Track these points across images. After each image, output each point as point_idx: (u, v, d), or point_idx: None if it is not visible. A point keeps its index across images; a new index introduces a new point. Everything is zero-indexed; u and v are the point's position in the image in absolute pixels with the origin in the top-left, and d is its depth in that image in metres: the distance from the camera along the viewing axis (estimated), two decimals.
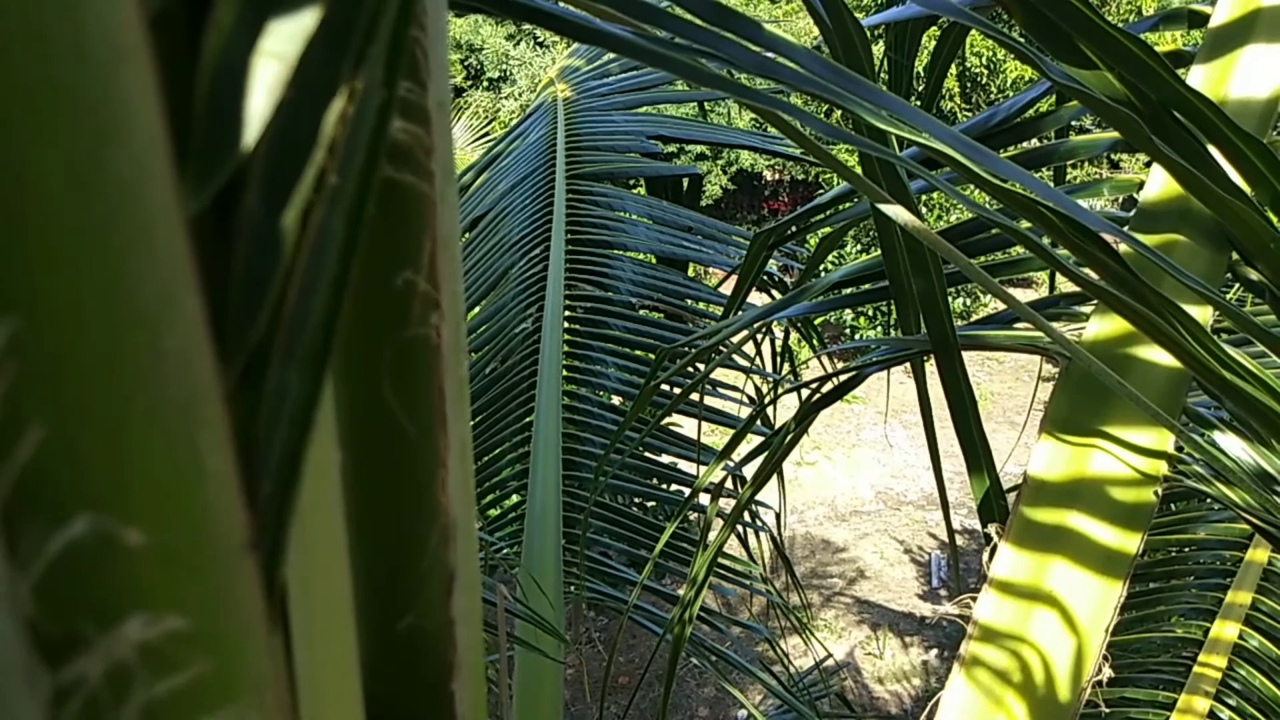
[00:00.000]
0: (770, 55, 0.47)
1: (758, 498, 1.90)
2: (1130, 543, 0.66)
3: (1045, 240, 0.66)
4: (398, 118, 0.25)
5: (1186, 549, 1.49)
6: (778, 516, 1.86)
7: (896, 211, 0.58)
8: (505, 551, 1.94)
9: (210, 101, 0.15)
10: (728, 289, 2.59)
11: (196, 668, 0.14)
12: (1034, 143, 1.03)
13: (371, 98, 0.19)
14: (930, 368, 0.96)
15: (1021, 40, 0.71)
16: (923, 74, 1.39)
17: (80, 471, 0.12)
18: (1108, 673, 0.66)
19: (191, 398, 0.14)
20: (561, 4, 0.45)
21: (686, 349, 1.68)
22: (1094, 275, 0.55)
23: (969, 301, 8.61)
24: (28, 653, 0.12)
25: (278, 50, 0.16)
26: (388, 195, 0.26)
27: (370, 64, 0.19)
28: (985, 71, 8.78)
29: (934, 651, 5.15)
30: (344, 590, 0.26)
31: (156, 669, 0.13)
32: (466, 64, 11.39)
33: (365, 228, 0.20)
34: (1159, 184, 0.72)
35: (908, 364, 1.04)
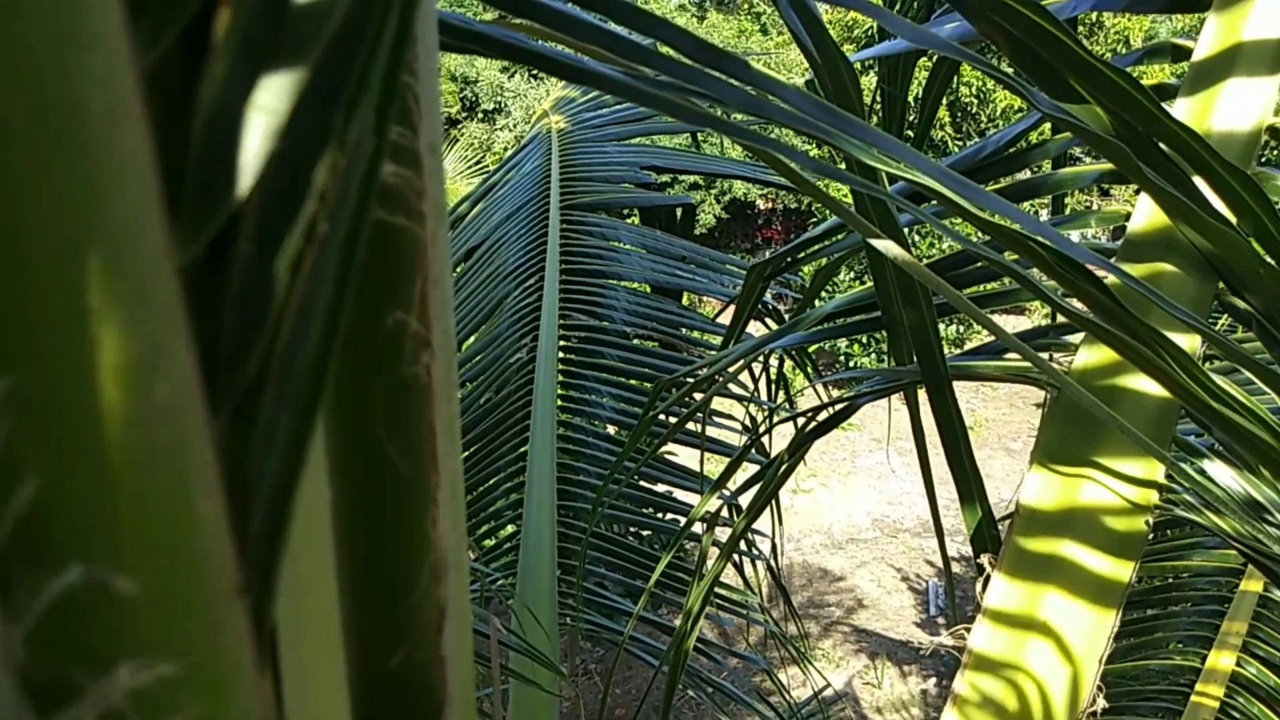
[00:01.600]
0: (758, 93, 0.48)
1: (754, 526, 1.90)
2: (1123, 571, 0.66)
3: (1034, 272, 0.66)
4: (389, 162, 0.26)
5: (1184, 575, 1.49)
6: (774, 545, 1.86)
7: (886, 246, 0.59)
8: (500, 582, 1.93)
9: (204, 152, 0.16)
10: (724, 318, 2.60)
11: (187, 712, 0.14)
12: (1025, 174, 1.04)
13: (363, 146, 0.20)
14: (924, 396, 0.97)
15: (1011, 72, 0.73)
16: (915, 103, 1.41)
17: (73, 521, 0.12)
18: (1102, 703, 0.66)
19: (182, 445, 0.14)
20: (553, 45, 0.45)
21: (685, 379, 1.68)
22: (1082, 306, 0.56)
23: (962, 329, 8.64)
24: (19, 700, 0.12)
25: (270, 102, 0.17)
26: (379, 237, 0.26)
27: (362, 113, 0.19)
28: (975, 101, 8.88)
29: (932, 680, 5.11)
30: (334, 628, 0.26)
31: (148, 714, 0.13)
32: (462, 96, 11.48)
33: (356, 272, 0.20)
34: (1146, 214, 0.73)
35: (902, 392, 1.05)
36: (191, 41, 0.18)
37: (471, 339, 2.41)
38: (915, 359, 0.91)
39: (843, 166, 0.73)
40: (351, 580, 0.28)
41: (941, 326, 0.93)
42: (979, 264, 0.97)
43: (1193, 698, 1.29)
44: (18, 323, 0.11)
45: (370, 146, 0.20)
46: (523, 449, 2.08)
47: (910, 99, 1.40)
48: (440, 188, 0.30)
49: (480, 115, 11.38)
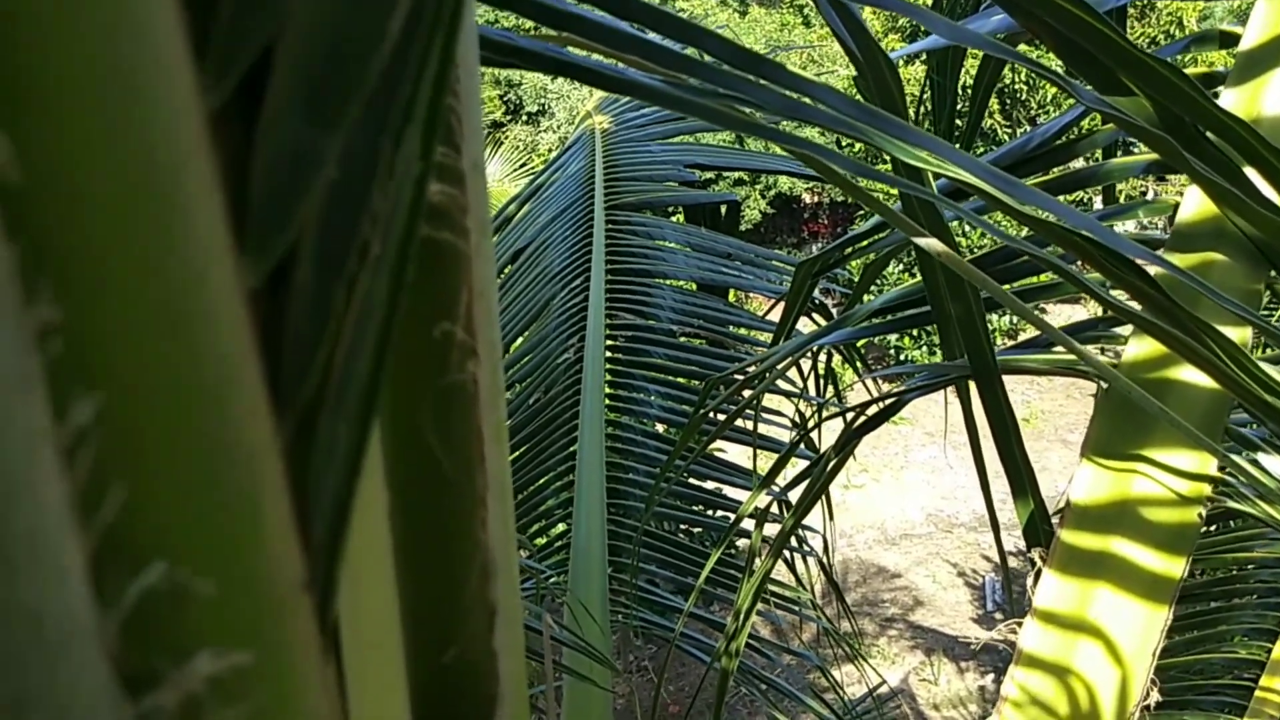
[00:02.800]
0: (797, 97, 0.48)
1: (806, 522, 1.89)
2: (1175, 567, 0.65)
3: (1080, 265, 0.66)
4: (435, 181, 0.27)
5: (1247, 567, 1.45)
6: (826, 541, 1.85)
7: (930, 243, 0.59)
8: (553, 580, 1.96)
9: (265, 185, 0.17)
10: (770, 314, 2.59)
11: (258, 699, 0.15)
12: (1078, 163, 1.03)
13: (410, 169, 0.21)
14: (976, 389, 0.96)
15: (1055, 65, 0.72)
16: (965, 92, 1.39)
17: (155, 526, 0.14)
18: (1156, 697, 0.65)
19: (253, 455, 0.15)
20: (595, 56, 0.47)
21: (734, 376, 1.69)
22: (1129, 299, 0.55)
23: (1016, 320, 8.50)
24: (113, 685, 0.13)
25: (325, 134, 0.18)
26: (426, 252, 0.27)
27: (409, 139, 0.20)
28: (1025, 88, 8.71)
29: (990, 676, 5.04)
30: (392, 625, 0.28)
31: (224, 700, 0.15)
32: (505, 99, 11.57)
33: (406, 289, 0.22)
34: (1194, 205, 0.72)
35: (954, 385, 1.04)
36: (249, 78, 0.19)
37: (519, 340, 2.44)
38: (965, 353, 0.90)
39: (884, 165, 0.73)
40: (407, 580, 0.29)
41: (994, 318, 0.93)
42: (1025, 258, 0.96)
43: (1257, 691, 1.26)
44: (106, 346, 0.13)
45: (418, 170, 0.21)
46: (571, 448, 2.10)
47: (960, 88, 1.39)
48: (483, 203, 0.31)
49: (524, 117, 11.46)
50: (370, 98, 0.18)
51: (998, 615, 5.51)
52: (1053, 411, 7.88)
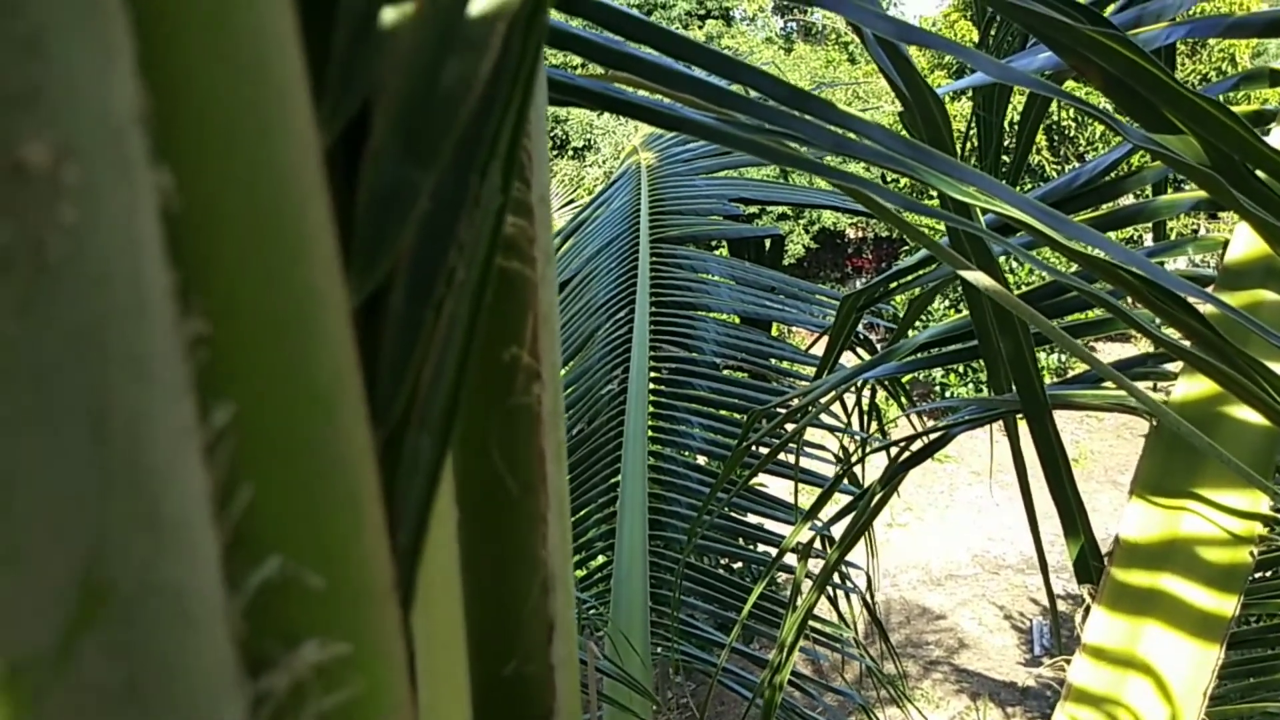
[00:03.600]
0: (845, 133, 0.50)
1: (848, 559, 1.88)
2: (1226, 605, 0.64)
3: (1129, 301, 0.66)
4: (508, 214, 0.28)
5: None
6: (869, 579, 1.84)
7: (977, 277, 0.60)
8: (595, 611, 1.96)
9: (368, 217, 0.19)
10: (815, 348, 2.59)
11: (355, 688, 0.17)
12: (1126, 199, 1.02)
13: (492, 202, 0.22)
14: (1024, 426, 0.95)
15: (1102, 103, 0.72)
16: (1011, 128, 1.40)
17: (276, 522, 0.15)
18: None
19: (356, 463, 0.17)
20: (649, 95, 0.48)
21: (778, 410, 1.69)
22: (1180, 336, 0.55)
23: (1065, 358, 8.37)
24: (237, 665, 0.15)
25: (420, 170, 0.19)
26: (497, 280, 0.29)
27: (491, 174, 0.22)
28: (1073, 125, 8.65)
29: None
30: (458, 635, 0.29)
31: (326, 687, 0.16)
32: (552, 134, 11.75)
33: (484, 313, 0.23)
34: (1244, 243, 0.72)
35: (1001, 422, 1.04)
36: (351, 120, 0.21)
37: (563, 371, 2.46)
38: (1014, 388, 0.90)
39: (931, 200, 0.74)
40: (471, 592, 0.31)
41: (1043, 355, 0.92)
42: (1074, 293, 0.96)
43: None
44: (242, 356, 0.14)
45: (498, 203, 0.23)
46: (614, 479, 2.11)
47: (1006, 124, 1.39)
48: (548, 233, 0.33)
49: (570, 152, 11.61)
50: (460, 138, 0.20)
51: (1045, 660, 5.38)
52: (1102, 452, 7.72)
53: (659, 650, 1.91)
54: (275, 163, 0.15)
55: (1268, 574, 1.33)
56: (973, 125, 1.43)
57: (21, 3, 0.11)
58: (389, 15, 0.18)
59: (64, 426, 0.11)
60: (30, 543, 0.11)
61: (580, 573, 2.22)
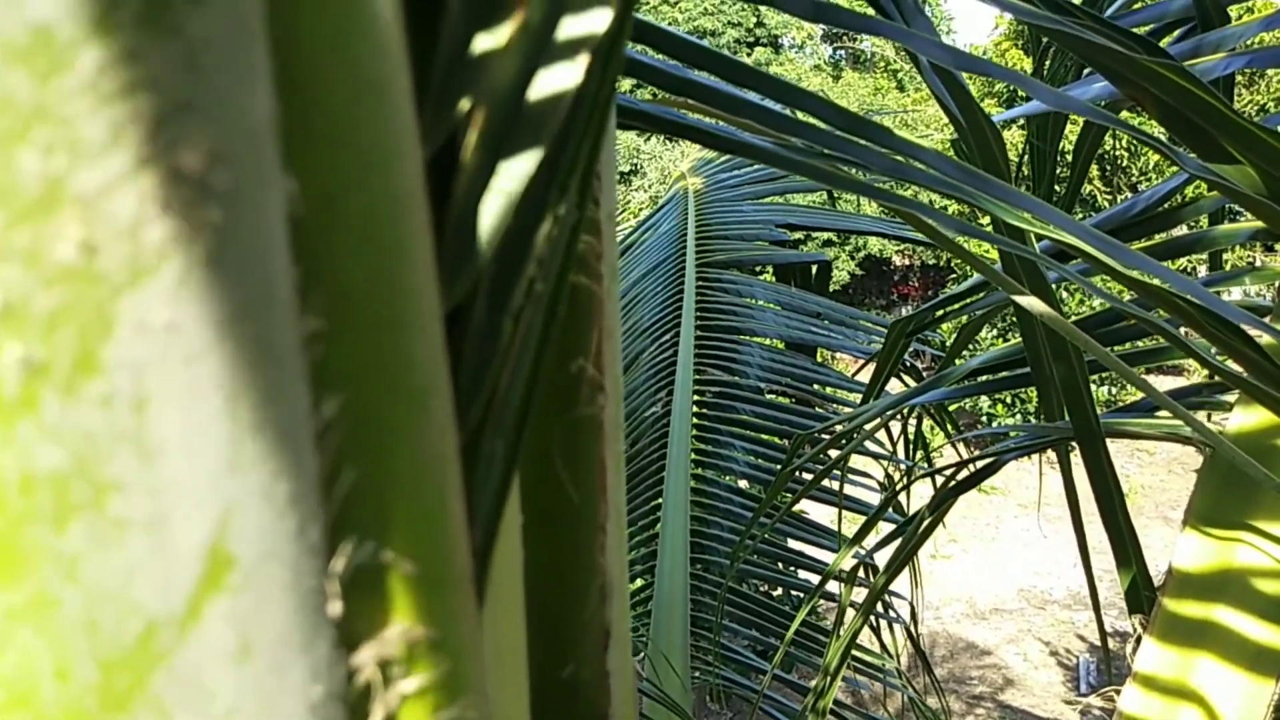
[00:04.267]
0: (901, 158, 0.51)
1: (891, 589, 1.86)
2: None
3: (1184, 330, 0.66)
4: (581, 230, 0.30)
5: None
6: (913, 610, 1.81)
7: (1031, 303, 0.60)
8: (635, 631, 1.96)
9: (457, 229, 0.20)
10: (860, 375, 2.57)
11: (438, 671, 0.18)
12: (1181, 229, 1.01)
13: (569, 218, 0.24)
14: (1076, 459, 0.94)
15: (1158, 131, 0.72)
16: (1064, 156, 1.39)
17: (375, 508, 0.16)
18: None
19: (444, 459, 0.18)
20: (708, 119, 0.49)
21: (822, 435, 1.68)
22: (1237, 365, 0.55)
23: (1115, 389, 8.21)
24: (335, 636, 0.16)
25: (507, 187, 0.21)
26: (567, 294, 0.30)
27: (570, 192, 0.23)
28: (1126, 155, 8.53)
29: None
30: (520, 636, 0.30)
31: (410, 665, 0.17)
32: None
33: (557, 325, 0.24)
34: None
35: (1050, 454, 1.02)
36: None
37: None
38: (1066, 414, 0.89)
39: (985, 224, 0.74)
40: (532, 596, 0.31)
41: (1093, 387, 0.92)
42: (1129, 321, 0.95)
43: None
44: (352, 351, 0.16)
45: (574, 219, 0.24)
46: (656, 501, 2.11)
47: (1059, 153, 1.39)
48: (613, 250, 0.34)
49: (617, 177, 11.70)
50: (544, 155, 0.21)
51: (1093, 699, 5.24)
52: (1154, 487, 7.55)
53: (697, 674, 1.90)
54: (388, 172, 0.16)
55: None
56: (1025, 154, 1.43)
57: (180, 24, 0.12)
58: (485, 39, 0.19)
59: (204, 405, 0.12)
60: (169, 510, 0.12)
61: None
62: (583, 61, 0.21)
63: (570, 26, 0.20)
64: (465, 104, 0.20)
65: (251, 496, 0.13)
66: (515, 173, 0.21)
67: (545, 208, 0.22)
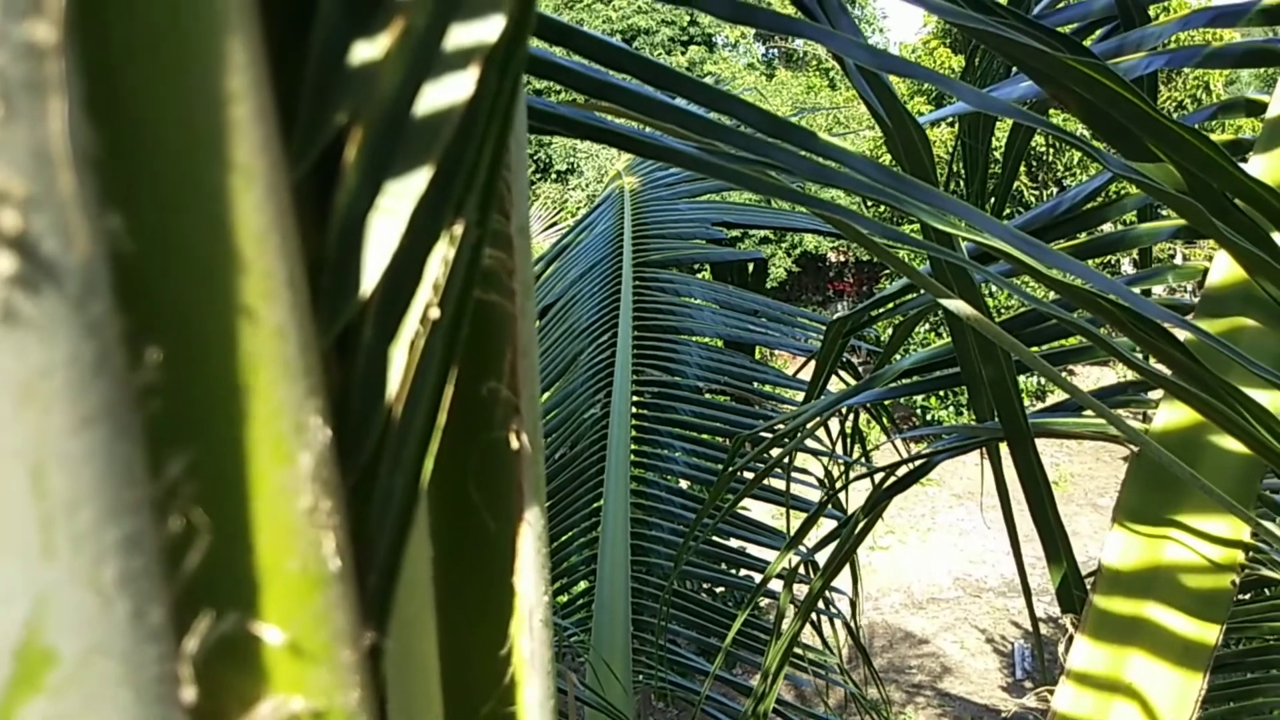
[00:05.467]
0: (827, 162, 0.50)
1: (832, 584, 1.86)
2: (1209, 633, 0.64)
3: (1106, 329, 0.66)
4: (486, 246, 0.28)
5: None
6: (853, 604, 1.83)
7: (959, 306, 0.60)
8: (576, 638, 1.94)
9: (339, 253, 0.18)
10: (798, 372, 2.59)
11: None
12: (1105, 228, 1.03)
13: (468, 237, 0.22)
14: (1006, 450, 0.96)
15: (1082, 131, 0.73)
16: (995, 153, 1.41)
17: (233, 576, 0.15)
18: None
19: (319, 508, 0.16)
20: (630, 123, 0.48)
21: (763, 435, 1.68)
22: (1160, 364, 0.55)
23: (1044, 381, 8.42)
24: None
25: (394, 206, 0.19)
26: (475, 313, 0.28)
27: (468, 209, 0.22)
28: (1051, 151, 8.76)
29: None
30: (434, 676, 0.28)
31: None
32: (535, 157, 11.79)
33: (460, 349, 0.23)
34: (1223, 270, 0.72)
35: (981, 448, 1.04)
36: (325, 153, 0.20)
37: (546, 395, 2.45)
38: (996, 415, 0.90)
39: (912, 227, 0.74)
40: (447, 631, 0.30)
41: (1022, 379, 0.92)
42: (1054, 321, 0.96)
43: None
44: (198, 405, 0.14)
45: (474, 237, 0.22)
46: (596, 504, 2.10)
47: (990, 151, 1.40)
48: (528, 265, 0.32)
49: (554, 175, 11.65)
50: (435, 171, 0.20)
51: (1027, 684, 5.37)
52: (1082, 475, 7.76)
53: (640, 677, 1.89)
54: (235, 200, 0.14)
55: (1246, 597, 1.33)
56: (956, 152, 1.44)
57: None
58: (363, 48, 0.18)
59: (3, 482, 0.11)
60: None
61: (562, 599, 2.20)
62: (475, 71, 0.19)
63: (460, 34, 0.19)
64: (343, 118, 0.18)
65: (71, 584, 0.11)
66: (403, 191, 0.19)
67: (439, 227, 0.20)
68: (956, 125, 1.31)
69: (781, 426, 1.39)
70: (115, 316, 0.12)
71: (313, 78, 0.17)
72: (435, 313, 0.21)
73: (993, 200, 1.41)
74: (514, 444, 0.31)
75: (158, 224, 0.13)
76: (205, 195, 0.14)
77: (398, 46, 0.18)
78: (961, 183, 1.41)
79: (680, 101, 0.52)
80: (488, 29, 0.19)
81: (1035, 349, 0.95)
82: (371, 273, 0.19)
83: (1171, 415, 0.71)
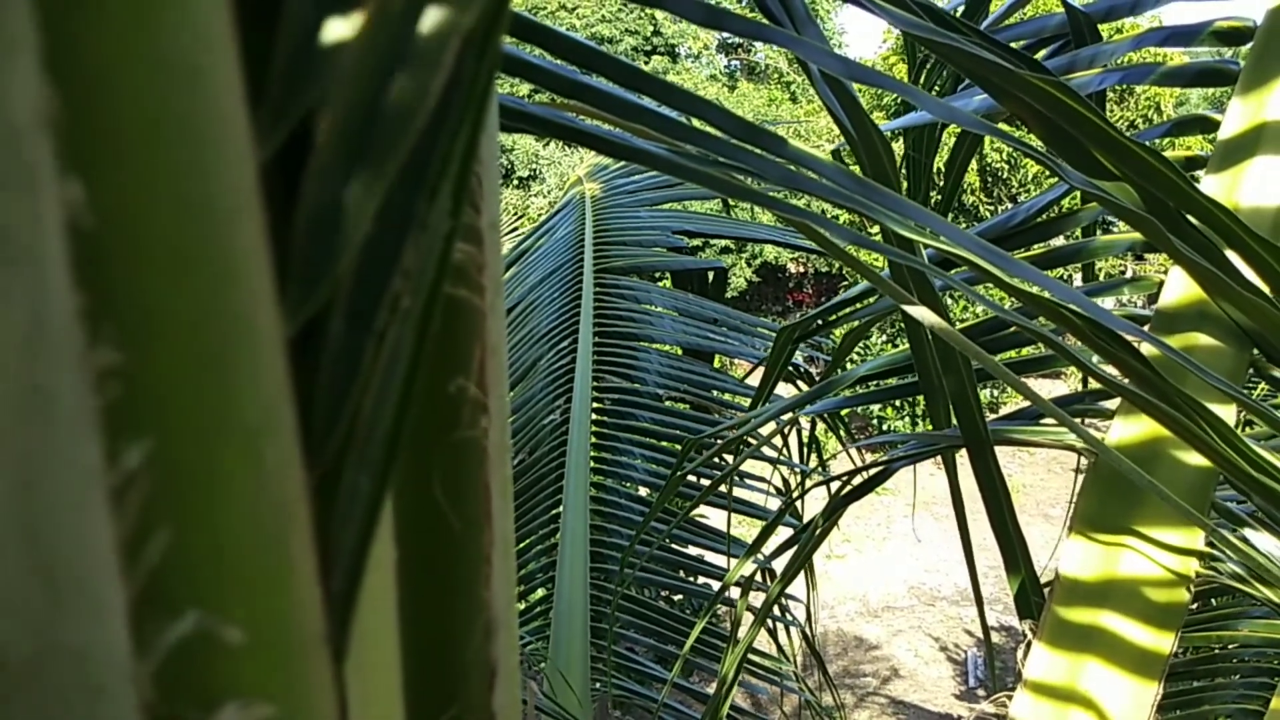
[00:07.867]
0: (795, 167, 0.50)
1: (788, 592, 1.87)
2: (1164, 642, 0.65)
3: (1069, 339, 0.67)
4: (457, 239, 0.27)
5: (1230, 646, 1.45)
6: (809, 612, 1.84)
7: (921, 313, 0.60)
8: (533, 646, 1.92)
9: (306, 239, 0.18)
10: (754, 380, 2.61)
11: None
12: (1058, 241, 1.05)
13: (440, 227, 0.21)
14: (962, 460, 0.96)
15: (1039, 144, 0.74)
16: (943, 169, 1.43)
17: (193, 573, 0.14)
18: None
19: (285, 504, 0.16)
20: (600, 124, 0.48)
21: (713, 440, 1.69)
22: (1118, 374, 0.56)
23: (997, 393, 8.56)
24: None
25: (364, 191, 0.18)
26: (444, 308, 0.28)
27: (441, 197, 0.21)
28: (1006, 166, 8.92)
29: None
30: (395, 683, 0.27)
31: None
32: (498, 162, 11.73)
33: (429, 343, 0.22)
34: (1179, 285, 0.74)
35: (940, 456, 1.04)
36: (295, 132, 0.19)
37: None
38: (954, 422, 0.91)
39: (875, 234, 0.75)
40: (409, 636, 0.29)
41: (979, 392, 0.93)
42: (1014, 329, 0.98)
43: None
44: (159, 390, 0.13)
45: (446, 227, 0.22)
46: (555, 511, 2.09)
47: (940, 164, 1.42)
48: (498, 261, 0.32)
49: (515, 181, 11.61)
50: (409, 157, 0.19)
51: (980, 691, 5.44)
52: (1034, 485, 7.89)
53: (598, 685, 1.88)
54: (203, 175, 0.14)
55: (1194, 606, 1.36)
56: (902, 164, 1.46)
57: None
58: (336, 25, 0.17)
59: None
60: None
61: (520, 606, 2.19)
62: (452, 52, 0.18)
63: (437, 13, 0.18)
64: (314, 98, 0.17)
65: (21, 579, 0.11)
66: (375, 175, 0.18)
67: (412, 215, 0.19)
68: (903, 139, 1.33)
69: (730, 433, 1.39)
70: (73, 292, 0.11)
71: (283, 54, 0.17)
72: (405, 303, 0.20)
73: (936, 210, 1.43)
74: (482, 444, 0.30)
75: (121, 198, 0.12)
76: (174, 170, 0.13)
77: (372, 24, 0.17)
78: (908, 195, 1.42)
79: (650, 104, 0.52)
80: (466, 9, 0.18)
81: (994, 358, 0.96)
82: (341, 260, 0.18)
83: (1128, 426, 0.72)
